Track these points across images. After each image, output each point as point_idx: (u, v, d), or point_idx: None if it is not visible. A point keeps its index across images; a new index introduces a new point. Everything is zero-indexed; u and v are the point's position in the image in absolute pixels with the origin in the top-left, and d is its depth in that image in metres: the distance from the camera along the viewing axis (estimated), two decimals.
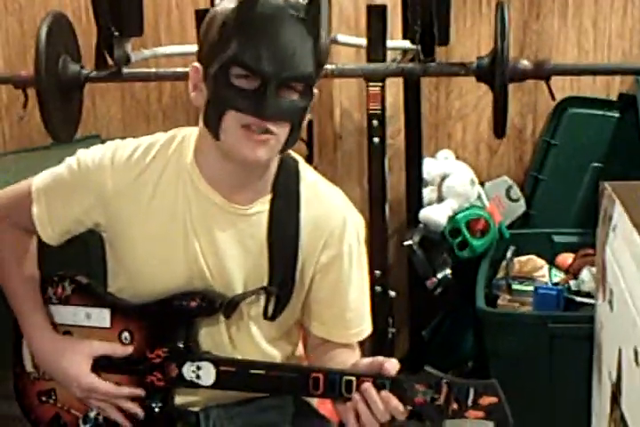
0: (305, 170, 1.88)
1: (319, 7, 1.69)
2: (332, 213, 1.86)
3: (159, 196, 1.80)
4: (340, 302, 1.88)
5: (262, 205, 1.82)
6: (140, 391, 1.84)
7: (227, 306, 1.81)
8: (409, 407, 1.67)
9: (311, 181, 1.87)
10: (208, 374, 1.79)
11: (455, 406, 1.65)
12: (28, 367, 1.96)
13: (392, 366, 1.69)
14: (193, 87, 1.76)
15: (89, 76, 2.73)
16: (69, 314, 1.91)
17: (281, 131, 1.70)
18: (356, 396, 1.68)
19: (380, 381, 1.68)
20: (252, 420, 1.92)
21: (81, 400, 1.88)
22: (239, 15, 1.65)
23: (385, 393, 1.66)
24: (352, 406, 1.69)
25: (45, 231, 1.89)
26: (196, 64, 1.74)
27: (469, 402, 1.65)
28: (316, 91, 1.75)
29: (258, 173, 1.79)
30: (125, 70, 2.75)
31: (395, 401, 1.66)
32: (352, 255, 1.87)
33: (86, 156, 1.84)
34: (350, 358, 1.83)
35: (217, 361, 1.80)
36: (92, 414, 1.89)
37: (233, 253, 1.82)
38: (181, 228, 1.80)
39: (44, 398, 1.95)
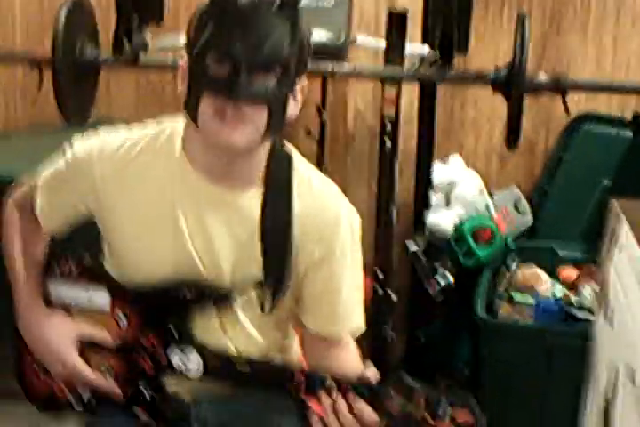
0: (299, 164, 1.88)
1: None
2: (325, 209, 1.86)
3: (147, 185, 1.84)
4: (332, 297, 1.89)
5: (252, 196, 1.82)
6: (114, 387, 1.87)
7: (221, 299, 1.84)
8: (384, 417, 1.66)
9: (305, 176, 1.87)
10: (193, 363, 1.81)
11: (428, 417, 1.63)
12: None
13: (372, 374, 1.70)
14: (181, 81, 1.77)
15: (105, 61, 2.74)
16: (70, 292, 1.93)
17: (257, 117, 1.70)
18: (325, 400, 1.69)
19: (358, 388, 1.68)
20: (239, 410, 1.94)
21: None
22: (214, 5, 1.68)
23: (354, 400, 1.67)
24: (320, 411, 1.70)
25: (46, 220, 1.96)
26: (184, 59, 1.76)
27: (442, 414, 1.63)
28: (304, 82, 1.78)
29: (241, 158, 1.79)
30: (142, 58, 2.75)
31: (365, 408, 1.66)
32: (345, 252, 1.88)
33: (79, 146, 1.89)
34: (347, 362, 1.85)
35: (203, 351, 1.82)
36: (83, 390, 1.91)
37: (221, 238, 1.83)
38: (169, 213, 1.83)
39: (39, 371, 1.96)
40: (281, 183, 1.83)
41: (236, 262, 1.85)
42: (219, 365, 1.81)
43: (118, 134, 1.90)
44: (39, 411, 2.03)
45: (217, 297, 1.84)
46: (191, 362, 1.81)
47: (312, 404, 1.74)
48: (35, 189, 1.96)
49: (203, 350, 1.82)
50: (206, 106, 1.70)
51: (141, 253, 1.86)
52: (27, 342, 1.95)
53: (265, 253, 1.83)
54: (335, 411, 1.67)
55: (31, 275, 1.96)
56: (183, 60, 1.76)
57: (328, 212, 1.86)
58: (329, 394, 1.69)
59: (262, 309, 1.86)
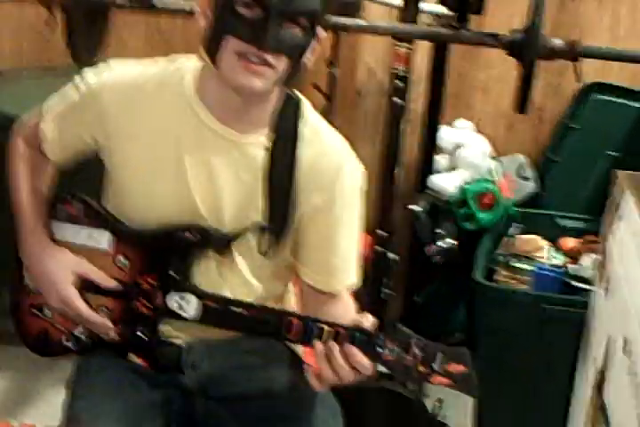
0: (308, 111, 1.89)
1: None
2: (330, 156, 1.87)
3: (155, 118, 1.83)
4: (328, 246, 1.89)
5: (259, 138, 1.83)
6: (109, 324, 1.86)
7: (221, 242, 1.84)
8: (376, 363, 1.67)
9: (313, 122, 1.87)
10: (191, 306, 1.81)
11: (422, 368, 1.65)
12: (26, 280, 1.98)
13: (367, 320, 1.71)
14: (201, 13, 1.77)
15: (117, 2, 2.70)
16: (73, 232, 1.93)
17: (279, 64, 1.72)
18: (318, 346, 1.69)
19: (351, 332, 1.69)
20: (232, 359, 1.95)
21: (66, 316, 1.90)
22: None
23: (348, 346, 1.67)
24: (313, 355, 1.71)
25: (49, 146, 1.96)
26: None
27: (437, 367, 1.65)
28: (324, 34, 1.78)
29: (255, 101, 1.80)
30: (156, 1, 2.72)
31: (359, 355, 1.67)
32: (345, 201, 1.88)
33: (89, 76, 1.89)
34: (343, 315, 1.83)
35: (201, 294, 1.82)
36: (77, 332, 1.92)
37: (225, 180, 1.83)
38: (174, 149, 1.82)
39: (34, 311, 1.97)
40: (289, 128, 1.83)
41: (238, 206, 1.85)
42: (215, 307, 1.81)
43: (130, 66, 1.89)
44: (32, 353, 2.02)
45: (217, 241, 1.84)
46: (188, 304, 1.81)
47: (306, 352, 1.74)
48: (42, 119, 1.95)
49: (200, 293, 1.82)
50: (229, 48, 1.70)
51: (144, 193, 1.86)
52: (27, 271, 1.95)
53: (268, 196, 1.83)
54: (328, 358, 1.68)
55: (36, 207, 1.95)
56: None
57: (332, 159, 1.86)
58: (323, 340, 1.70)
59: (262, 253, 1.86)
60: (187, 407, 1.93)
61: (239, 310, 1.79)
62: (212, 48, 1.73)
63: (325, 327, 1.71)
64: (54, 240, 1.93)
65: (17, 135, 2.02)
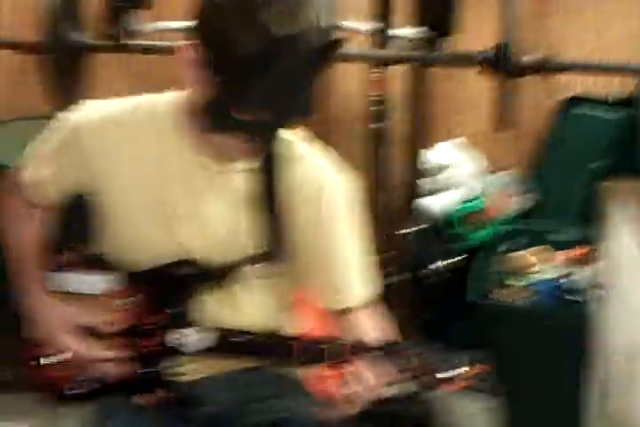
0: (288, 134, 1.84)
1: None
2: (312, 173, 1.84)
3: (136, 150, 1.81)
4: (328, 264, 1.87)
5: (244, 164, 1.81)
6: (109, 354, 1.85)
7: (220, 273, 1.84)
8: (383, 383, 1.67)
9: (293, 140, 1.85)
10: (191, 341, 1.81)
11: (426, 378, 1.66)
12: (25, 332, 1.96)
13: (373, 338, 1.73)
14: (189, 64, 1.67)
15: (91, 44, 2.73)
16: (75, 281, 1.93)
17: None
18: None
19: (356, 349, 1.70)
20: (239, 393, 1.93)
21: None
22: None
23: (354, 364, 1.67)
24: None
25: (33, 192, 1.93)
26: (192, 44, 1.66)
27: (443, 375, 1.65)
28: None
29: None
30: (130, 42, 2.74)
31: (365, 373, 1.66)
32: (334, 212, 1.86)
33: (67, 115, 1.87)
34: (362, 331, 1.83)
35: (200, 329, 1.82)
36: (81, 379, 1.91)
37: (213, 210, 1.82)
38: (158, 180, 1.81)
39: (33, 363, 1.95)
40: (271, 153, 1.80)
41: (228, 234, 1.83)
42: (216, 339, 1.80)
43: (106, 102, 1.88)
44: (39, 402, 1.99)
45: (213, 274, 1.84)
46: (188, 340, 1.81)
47: (308, 378, 1.73)
48: (26, 166, 1.92)
49: (199, 327, 1.82)
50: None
51: (133, 227, 1.85)
52: (32, 327, 1.93)
53: (255, 218, 1.81)
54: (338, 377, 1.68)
55: (33, 264, 1.94)
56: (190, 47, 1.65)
57: (315, 176, 1.84)
58: (326, 360, 1.71)
59: (259, 277, 1.85)
60: None
61: (239, 339, 1.80)
62: (208, 125, 1.70)
63: (326, 348, 1.71)
64: (57, 291, 1.92)
65: (6, 192, 1.99)
